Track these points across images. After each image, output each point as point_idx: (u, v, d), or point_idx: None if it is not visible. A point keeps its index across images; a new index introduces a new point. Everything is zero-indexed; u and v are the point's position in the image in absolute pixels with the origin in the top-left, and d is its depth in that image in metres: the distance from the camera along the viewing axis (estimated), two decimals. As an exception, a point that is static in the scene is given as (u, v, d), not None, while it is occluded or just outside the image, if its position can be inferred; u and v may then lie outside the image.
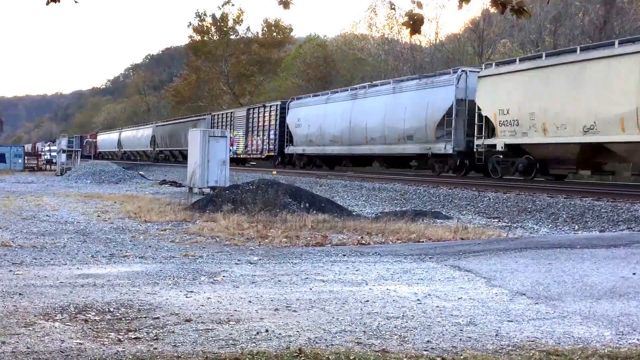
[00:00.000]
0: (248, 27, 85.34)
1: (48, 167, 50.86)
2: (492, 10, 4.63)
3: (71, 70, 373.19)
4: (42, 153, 61.86)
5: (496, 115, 20.13)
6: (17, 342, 4.27)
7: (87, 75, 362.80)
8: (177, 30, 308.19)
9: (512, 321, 5.02)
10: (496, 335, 4.63)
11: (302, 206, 14.40)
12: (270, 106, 36.63)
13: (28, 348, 4.15)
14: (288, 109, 34.29)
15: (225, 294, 5.87)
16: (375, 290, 6.16)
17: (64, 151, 42.05)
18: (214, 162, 20.39)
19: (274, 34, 72.76)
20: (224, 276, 6.79)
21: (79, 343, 4.28)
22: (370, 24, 53.26)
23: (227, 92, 73.47)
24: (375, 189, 20.25)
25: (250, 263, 7.76)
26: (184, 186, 24.15)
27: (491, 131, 20.68)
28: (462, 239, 10.58)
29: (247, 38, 73.49)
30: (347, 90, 30.82)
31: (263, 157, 36.83)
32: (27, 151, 58.48)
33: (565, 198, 14.55)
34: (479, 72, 21.66)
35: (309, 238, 10.62)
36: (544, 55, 19.70)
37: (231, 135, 35.64)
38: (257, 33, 74.10)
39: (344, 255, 8.51)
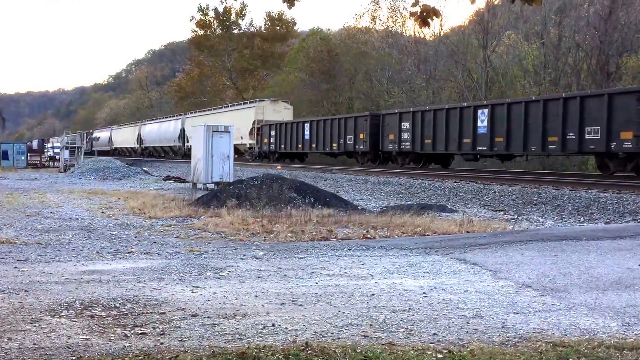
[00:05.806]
0: (251, 21, 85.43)
1: (51, 164, 50.83)
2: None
3: (73, 66, 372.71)
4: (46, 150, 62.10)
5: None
6: (24, 338, 4.27)
7: (90, 71, 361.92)
8: (179, 25, 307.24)
9: (518, 313, 5.01)
10: (502, 327, 4.63)
11: (306, 201, 14.40)
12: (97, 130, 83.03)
13: (34, 344, 4.15)
14: (112, 131, 78.04)
15: (231, 289, 5.87)
16: (381, 283, 6.16)
17: (66, 148, 42.12)
18: (217, 158, 20.37)
19: (277, 27, 72.51)
20: (229, 271, 6.80)
21: (86, 339, 4.28)
22: (373, 16, 53.06)
23: (230, 87, 73.37)
24: (380, 183, 20.25)
25: (256, 258, 7.76)
26: (188, 182, 24.16)
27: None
28: (467, 232, 10.58)
29: (250, 32, 73.27)
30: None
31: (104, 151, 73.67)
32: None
33: (570, 190, 14.52)
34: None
35: (314, 232, 10.62)
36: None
37: (97, 142, 77.44)
38: (260, 27, 74.00)
39: (350, 249, 8.51)
